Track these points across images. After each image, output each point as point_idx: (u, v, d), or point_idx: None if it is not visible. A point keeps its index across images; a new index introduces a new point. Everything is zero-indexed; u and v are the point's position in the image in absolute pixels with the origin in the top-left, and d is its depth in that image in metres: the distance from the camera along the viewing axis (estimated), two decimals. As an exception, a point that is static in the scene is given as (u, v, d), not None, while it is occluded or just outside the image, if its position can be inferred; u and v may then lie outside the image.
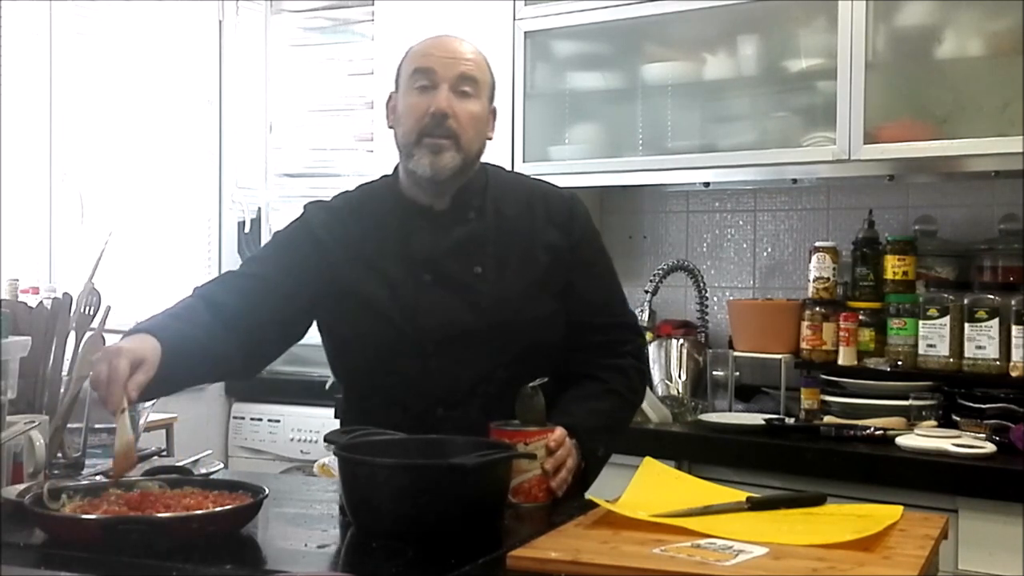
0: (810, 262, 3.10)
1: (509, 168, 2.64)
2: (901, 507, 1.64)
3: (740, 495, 1.72)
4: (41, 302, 2.00)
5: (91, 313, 2.00)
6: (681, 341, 3.21)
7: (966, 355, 2.80)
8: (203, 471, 1.90)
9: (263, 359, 1.99)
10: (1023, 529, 2.35)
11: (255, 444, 3.98)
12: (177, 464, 1.93)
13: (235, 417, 4.03)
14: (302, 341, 2.03)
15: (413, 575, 1.39)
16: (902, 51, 2.93)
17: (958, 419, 2.74)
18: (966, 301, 2.82)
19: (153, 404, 2.14)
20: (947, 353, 2.83)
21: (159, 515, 1.48)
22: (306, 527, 1.66)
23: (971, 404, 2.73)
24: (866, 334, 2.98)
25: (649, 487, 1.77)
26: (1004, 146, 2.67)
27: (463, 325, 1.91)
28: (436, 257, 1.95)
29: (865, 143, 2.85)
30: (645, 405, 2.81)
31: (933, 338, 2.85)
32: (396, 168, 2.05)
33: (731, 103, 3.19)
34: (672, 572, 1.35)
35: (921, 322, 2.87)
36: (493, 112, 2.02)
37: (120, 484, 1.61)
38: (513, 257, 1.96)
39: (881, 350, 2.97)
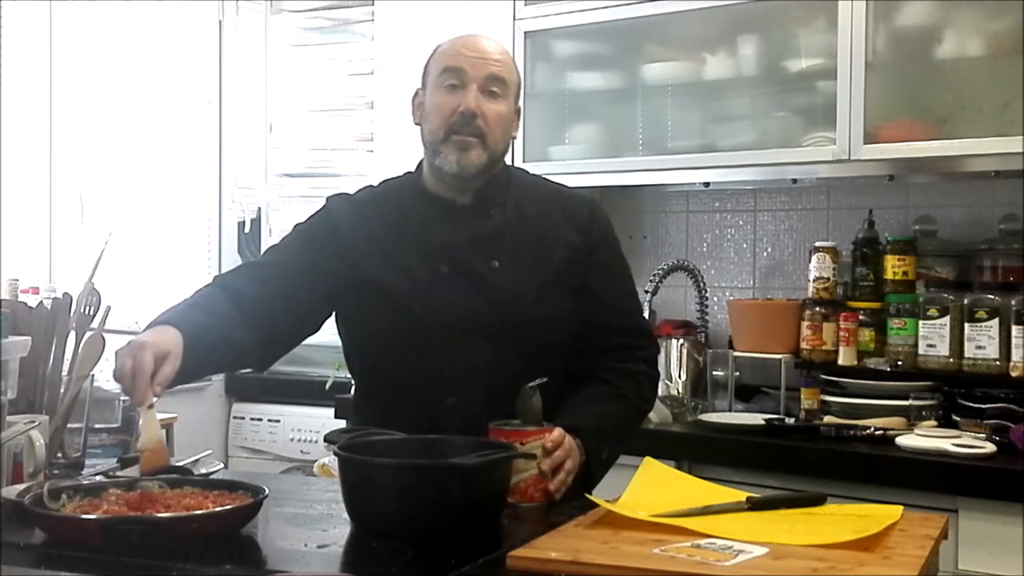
0: (810, 262, 3.10)
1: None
2: (901, 507, 1.64)
3: (740, 495, 1.72)
4: (41, 302, 2.00)
5: (91, 313, 2.00)
6: (681, 341, 3.21)
7: (966, 355, 2.80)
8: (203, 471, 1.90)
9: (281, 348, 2.01)
10: (1023, 529, 2.35)
11: (255, 444, 3.98)
12: (177, 464, 1.92)
13: (235, 417, 4.03)
14: (304, 341, 2.04)
15: (413, 575, 1.39)
16: (902, 51, 2.93)
17: (958, 419, 2.74)
18: (966, 301, 2.82)
19: (153, 404, 2.14)
20: (947, 353, 2.83)
21: (159, 515, 1.47)
22: (306, 527, 1.66)
23: (971, 404, 2.73)
24: (866, 334, 2.98)
25: (649, 487, 1.77)
26: (1004, 146, 2.67)
27: (477, 316, 1.93)
28: (454, 249, 1.97)
29: (865, 143, 2.85)
30: (645, 405, 2.81)
31: (933, 338, 2.85)
32: (419, 165, 2.07)
33: (731, 103, 3.19)
34: (672, 572, 1.35)
35: (921, 322, 2.87)
36: (518, 112, 2.05)
37: (120, 484, 1.61)
38: (531, 253, 1.99)
39: (881, 350, 2.97)
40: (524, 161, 3.28)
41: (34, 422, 1.76)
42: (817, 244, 3.11)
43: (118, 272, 3.26)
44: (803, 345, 3.06)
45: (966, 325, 2.80)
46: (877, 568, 1.38)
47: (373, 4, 3.85)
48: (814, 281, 3.08)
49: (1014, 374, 2.71)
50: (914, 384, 2.86)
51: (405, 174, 2.10)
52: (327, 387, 3.71)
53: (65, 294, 2.00)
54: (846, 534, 1.47)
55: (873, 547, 1.45)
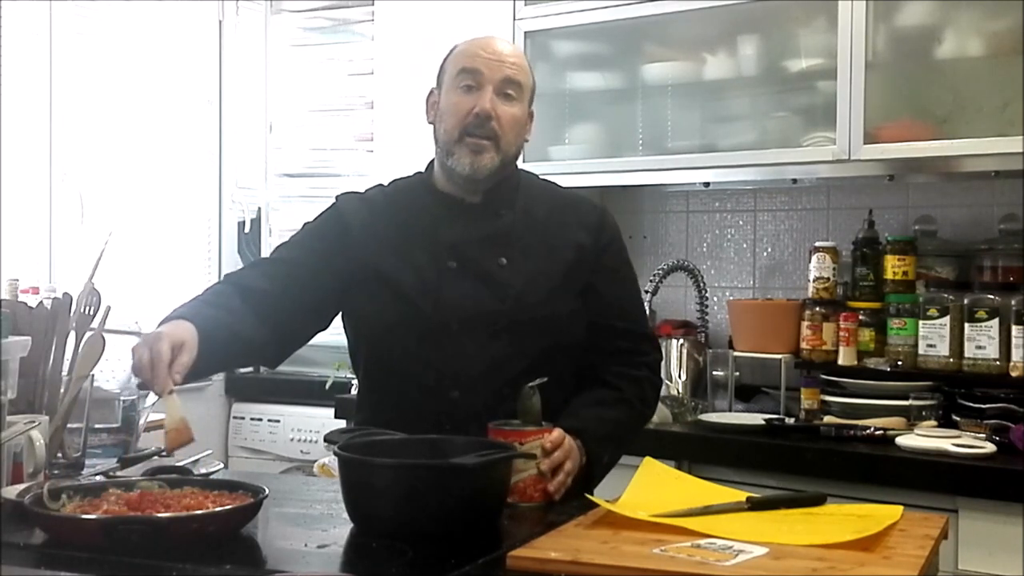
0: (810, 262, 3.10)
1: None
2: (901, 507, 1.64)
3: (740, 495, 1.72)
4: (41, 302, 2.00)
5: (91, 313, 2.00)
6: (681, 341, 3.21)
7: (966, 355, 2.80)
8: (203, 471, 1.90)
9: (292, 343, 2.02)
10: (1023, 529, 2.35)
11: (255, 444, 3.98)
12: (177, 464, 1.93)
13: (235, 417, 4.03)
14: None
15: (413, 575, 1.39)
16: (902, 51, 2.93)
17: (958, 419, 2.74)
18: (966, 301, 2.82)
19: (154, 404, 2.15)
20: (947, 353, 2.83)
21: (159, 515, 1.47)
22: (306, 527, 1.66)
23: (971, 404, 2.73)
24: (866, 334, 2.98)
25: (649, 487, 1.77)
26: (1004, 146, 2.67)
27: (484, 311, 1.94)
28: (463, 246, 1.98)
29: (865, 143, 2.85)
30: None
31: (933, 338, 2.85)
32: (429, 164, 2.08)
33: (731, 103, 3.19)
34: (672, 572, 1.35)
35: (921, 322, 2.87)
36: (531, 115, 2.07)
37: (120, 484, 1.61)
38: (539, 252, 2.00)
39: (881, 350, 2.97)
40: (524, 161, 3.24)
41: (34, 422, 1.76)
42: (817, 244, 3.11)
43: (118, 272, 3.26)
44: (803, 345, 3.06)
45: (966, 325, 2.80)
46: (877, 568, 1.38)
47: (373, 4, 3.85)
48: (814, 281, 3.08)
49: (1014, 374, 2.71)
50: (914, 384, 2.86)
51: (415, 174, 2.11)
52: (327, 387, 3.71)
53: (65, 294, 2.00)
54: (846, 534, 1.47)
55: (873, 547, 1.46)
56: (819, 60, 2.98)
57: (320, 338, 2.08)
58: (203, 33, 4.08)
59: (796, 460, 2.65)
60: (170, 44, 3.92)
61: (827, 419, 2.84)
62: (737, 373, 3.16)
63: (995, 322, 2.75)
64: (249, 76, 4.19)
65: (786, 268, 3.41)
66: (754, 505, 1.68)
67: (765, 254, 3.45)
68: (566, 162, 3.34)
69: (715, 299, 3.49)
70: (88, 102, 3.61)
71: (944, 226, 3.10)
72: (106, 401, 2.09)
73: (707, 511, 1.63)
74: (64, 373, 1.97)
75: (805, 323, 3.06)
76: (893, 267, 2.97)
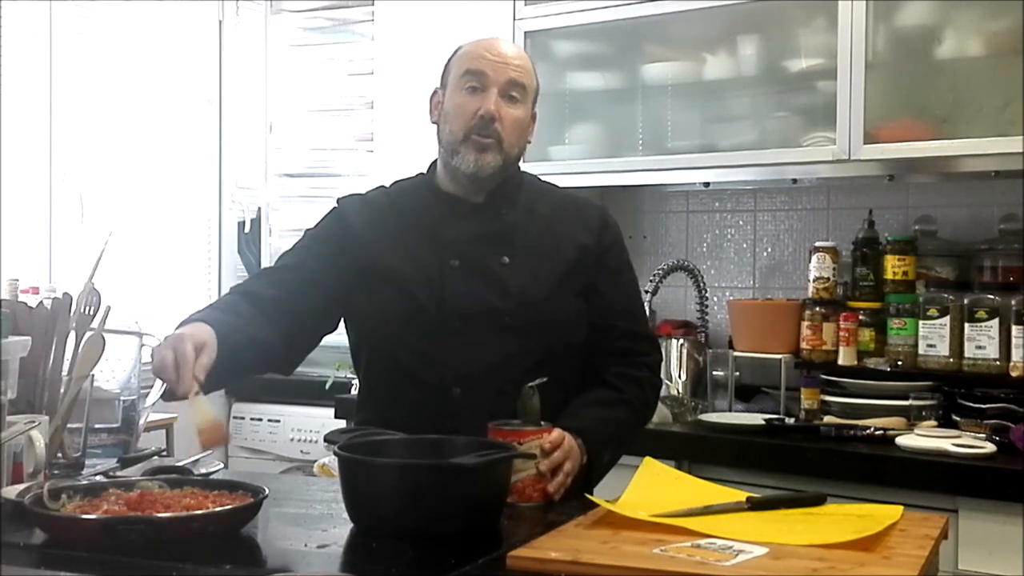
0: (810, 262, 3.10)
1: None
2: (901, 507, 1.64)
3: (740, 495, 1.72)
4: (41, 302, 2.00)
5: (91, 313, 2.00)
6: (681, 341, 3.21)
7: (966, 355, 2.80)
8: (203, 471, 1.90)
9: (304, 348, 2.03)
10: (1023, 529, 2.35)
11: (255, 444, 3.98)
12: (177, 464, 1.93)
13: (235, 417, 4.03)
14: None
15: (413, 575, 1.39)
16: (902, 51, 2.93)
17: (958, 419, 2.74)
18: (966, 301, 2.82)
19: (153, 405, 2.15)
20: (947, 353, 2.83)
21: (159, 515, 1.47)
22: (306, 527, 1.66)
23: (971, 404, 2.73)
24: (866, 334, 2.98)
25: (649, 487, 1.77)
26: (1004, 146, 2.67)
27: (487, 309, 1.95)
28: (465, 244, 1.99)
29: (865, 143, 2.85)
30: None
31: (933, 338, 2.85)
32: (432, 164, 2.09)
33: (731, 103, 3.19)
34: (672, 572, 1.35)
35: (921, 322, 2.87)
36: (534, 116, 2.07)
37: (120, 484, 1.61)
38: (541, 251, 2.01)
39: (881, 350, 2.97)
40: (524, 161, 3.26)
41: (34, 422, 1.76)
42: (817, 244, 3.11)
43: (118, 272, 3.26)
44: (803, 345, 3.06)
45: (966, 325, 2.80)
46: (877, 568, 1.38)
47: (373, 4, 3.85)
48: (814, 281, 3.08)
49: (1014, 374, 2.71)
50: (914, 384, 2.86)
51: (417, 175, 2.12)
52: (327, 387, 3.71)
53: (65, 294, 2.00)
54: (846, 534, 1.47)
55: (873, 547, 1.45)
56: (819, 60, 2.98)
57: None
58: (203, 33, 4.08)
59: (796, 460, 2.65)
60: (170, 44, 3.92)
61: (827, 419, 2.84)
62: (737, 373, 3.16)
63: (995, 322, 2.75)
64: (249, 76, 4.19)
65: (786, 268, 3.41)
66: (754, 505, 1.67)
67: (765, 254, 3.45)
68: (566, 162, 3.34)
69: (715, 299, 3.49)
70: (88, 102, 3.61)
71: (944, 226, 3.10)
72: (106, 401, 2.09)
73: (707, 511, 1.63)
74: (64, 373, 1.96)
75: (805, 323, 3.06)
76: (893, 267, 2.97)
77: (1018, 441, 2.51)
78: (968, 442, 2.53)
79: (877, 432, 2.66)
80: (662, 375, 3.12)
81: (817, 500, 1.74)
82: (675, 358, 3.19)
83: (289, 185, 4.20)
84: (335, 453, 1.62)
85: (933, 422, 2.78)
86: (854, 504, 1.78)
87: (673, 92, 3.23)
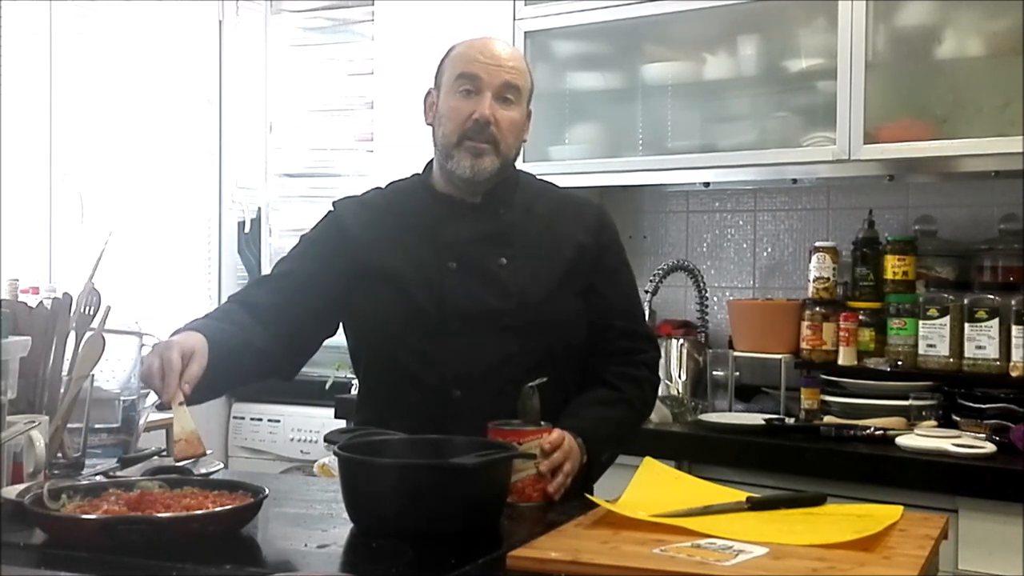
0: (810, 262, 3.10)
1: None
2: (901, 507, 1.64)
3: (740, 495, 1.72)
4: (41, 302, 2.00)
5: (91, 313, 2.00)
6: (681, 341, 3.21)
7: (966, 355, 2.80)
8: (203, 471, 1.90)
9: (304, 353, 2.03)
10: (1023, 529, 2.35)
11: (255, 444, 3.98)
12: (177, 464, 1.92)
13: (235, 417, 4.03)
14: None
15: (413, 575, 1.39)
16: (902, 51, 2.93)
17: (958, 419, 2.74)
18: (966, 301, 2.82)
19: (153, 405, 2.15)
20: (947, 353, 2.83)
21: (159, 515, 1.47)
22: (306, 527, 1.66)
23: (971, 404, 2.73)
24: (866, 334, 2.98)
25: (649, 487, 1.77)
26: (1004, 146, 2.67)
27: (486, 310, 1.95)
28: (462, 245, 1.98)
29: (865, 143, 2.85)
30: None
31: (933, 338, 2.85)
32: (427, 165, 2.09)
33: (731, 103, 3.19)
34: (672, 572, 1.35)
35: (921, 322, 2.87)
36: (529, 115, 2.07)
37: (120, 484, 1.61)
38: (539, 251, 2.01)
39: (881, 350, 2.96)
40: (524, 161, 3.25)
41: (34, 422, 1.76)
42: (817, 244, 3.11)
43: (118, 272, 3.26)
44: (803, 345, 3.06)
45: (966, 325, 2.80)
46: (877, 568, 1.38)
47: (373, 4, 3.85)
48: (814, 281, 3.08)
49: (1014, 374, 2.71)
50: (914, 384, 2.86)
51: (413, 175, 2.11)
52: (327, 387, 3.71)
53: (65, 294, 2.00)
54: (846, 534, 1.47)
55: (873, 547, 1.46)
56: (819, 60, 2.98)
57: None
58: (203, 33, 4.08)
59: (796, 460, 2.65)
60: (170, 44, 3.92)
61: (827, 419, 2.84)
62: (737, 373, 3.16)
63: (995, 322, 2.75)
64: (249, 76, 4.19)
65: (786, 268, 3.41)
66: (754, 505, 1.68)
67: (765, 254, 3.45)
68: (566, 162, 3.34)
69: (715, 299, 3.49)
70: (88, 102, 3.61)
71: (944, 226, 3.10)
72: (106, 401, 2.09)
73: (707, 511, 1.63)
74: (64, 373, 1.96)
75: (805, 323, 3.06)
76: (893, 267, 2.97)
77: (1018, 441, 2.51)
78: (968, 442, 2.53)
79: (877, 432, 2.66)
80: (662, 375, 3.15)
81: (817, 500, 1.74)
82: (675, 358, 3.19)
83: (289, 185, 4.20)
84: (335, 453, 1.62)
85: (933, 422, 2.78)
86: (854, 504, 1.78)
87: (673, 92, 3.23)
